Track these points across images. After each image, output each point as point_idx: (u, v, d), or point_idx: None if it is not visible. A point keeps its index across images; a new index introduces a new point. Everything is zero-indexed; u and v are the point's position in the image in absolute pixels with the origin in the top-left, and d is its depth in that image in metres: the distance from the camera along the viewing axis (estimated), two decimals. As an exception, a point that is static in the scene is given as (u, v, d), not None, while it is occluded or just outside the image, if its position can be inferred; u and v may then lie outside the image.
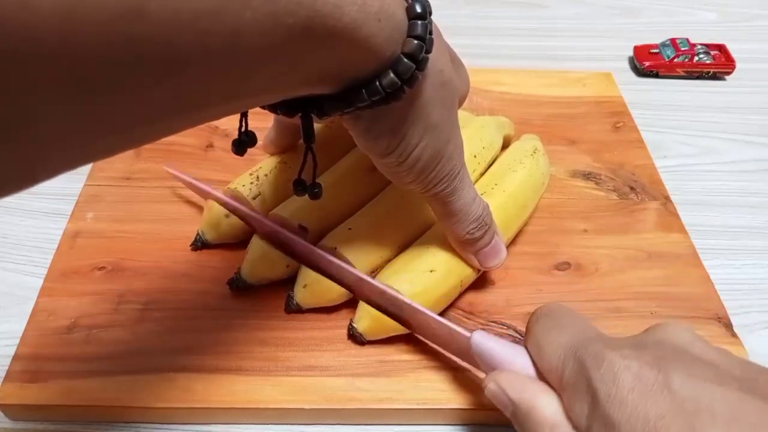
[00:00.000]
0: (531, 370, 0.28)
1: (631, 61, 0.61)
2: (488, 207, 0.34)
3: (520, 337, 0.36)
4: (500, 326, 0.36)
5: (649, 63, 0.58)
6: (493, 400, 0.27)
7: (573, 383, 0.24)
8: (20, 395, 0.32)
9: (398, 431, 0.33)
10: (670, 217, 0.43)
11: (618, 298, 0.38)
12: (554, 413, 0.25)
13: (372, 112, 0.25)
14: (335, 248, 0.35)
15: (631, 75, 0.60)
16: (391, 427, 0.33)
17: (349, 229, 0.36)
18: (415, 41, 0.24)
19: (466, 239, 0.33)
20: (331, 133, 0.39)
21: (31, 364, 0.33)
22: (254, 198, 0.37)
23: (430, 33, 0.24)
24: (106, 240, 0.39)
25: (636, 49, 0.60)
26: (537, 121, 0.50)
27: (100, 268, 0.38)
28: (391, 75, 0.24)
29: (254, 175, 0.38)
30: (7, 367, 0.33)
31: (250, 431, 0.33)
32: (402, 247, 0.36)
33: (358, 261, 0.34)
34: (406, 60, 0.24)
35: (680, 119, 0.54)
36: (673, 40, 0.60)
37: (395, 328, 0.34)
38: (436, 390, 0.33)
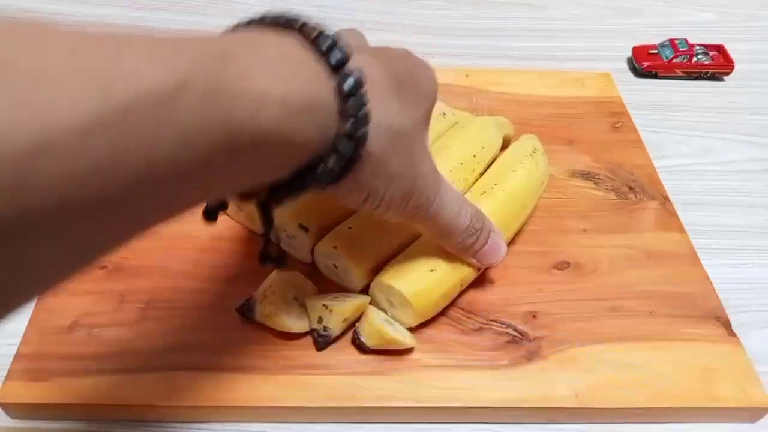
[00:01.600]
0: None
1: (630, 61, 0.61)
2: (477, 213, 0.34)
3: (519, 336, 0.36)
4: (499, 325, 0.36)
5: (647, 63, 0.58)
6: None
7: None
8: (22, 394, 0.32)
9: (399, 429, 0.33)
10: (668, 217, 0.44)
11: (617, 297, 0.38)
12: None
13: None
14: (335, 247, 0.35)
15: (630, 75, 0.60)
16: (391, 425, 0.33)
17: (349, 228, 0.36)
18: (351, 120, 0.23)
19: (460, 248, 0.34)
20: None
21: (32, 363, 0.33)
22: (255, 197, 0.37)
23: (365, 104, 0.23)
24: (107, 239, 0.39)
25: (635, 49, 0.60)
26: (536, 121, 0.51)
27: (102, 267, 0.38)
28: (335, 157, 0.23)
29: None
30: (8, 367, 0.33)
31: (252, 429, 0.33)
32: (402, 247, 0.36)
33: (359, 261, 0.34)
34: (345, 140, 0.23)
35: (679, 119, 0.54)
36: (671, 41, 0.60)
37: (397, 342, 0.34)
38: (437, 388, 0.33)
